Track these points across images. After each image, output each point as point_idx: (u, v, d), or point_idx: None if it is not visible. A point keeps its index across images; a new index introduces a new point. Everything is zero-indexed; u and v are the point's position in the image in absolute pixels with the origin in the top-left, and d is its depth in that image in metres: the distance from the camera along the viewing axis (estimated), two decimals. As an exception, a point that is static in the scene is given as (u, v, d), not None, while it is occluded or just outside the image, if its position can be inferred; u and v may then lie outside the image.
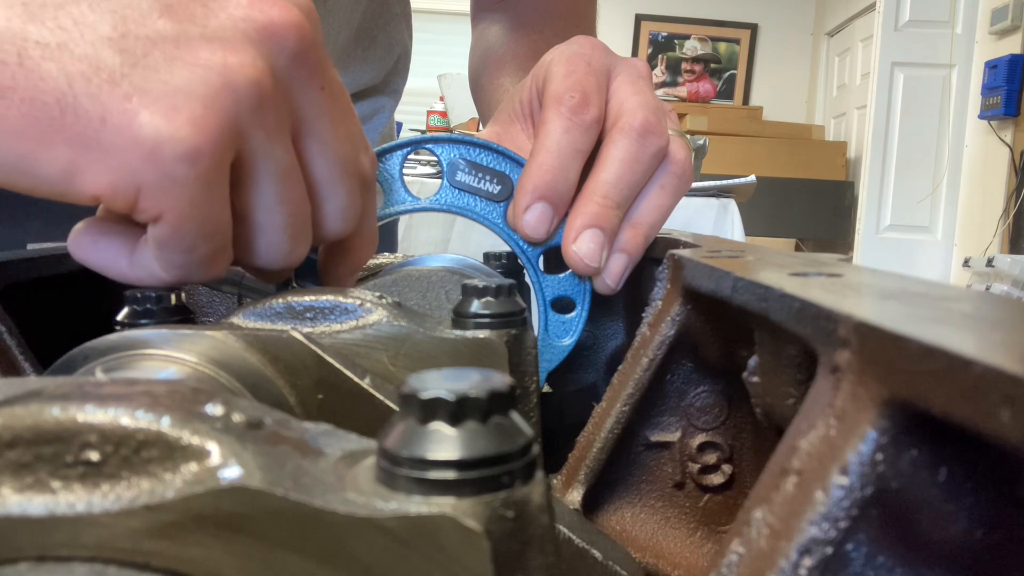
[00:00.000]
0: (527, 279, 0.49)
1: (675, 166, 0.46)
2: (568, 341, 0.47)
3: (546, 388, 0.51)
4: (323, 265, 0.41)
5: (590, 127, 0.44)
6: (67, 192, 0.29)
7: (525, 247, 0.47)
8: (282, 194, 0.32)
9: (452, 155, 0.47)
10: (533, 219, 0.44)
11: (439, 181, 0.48)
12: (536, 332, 0.47)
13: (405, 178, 0.49)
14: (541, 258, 0.48)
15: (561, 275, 0.47)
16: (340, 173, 0.35)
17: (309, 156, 0.34)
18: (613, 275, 0.45)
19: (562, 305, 0.48)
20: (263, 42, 0.31)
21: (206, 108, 0.28)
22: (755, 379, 0.28)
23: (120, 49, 0.28)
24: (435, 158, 0.48)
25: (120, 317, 0.32)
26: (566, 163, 0.44)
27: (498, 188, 0.47)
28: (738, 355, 0.34)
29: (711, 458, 0.37)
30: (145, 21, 0.29)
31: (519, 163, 0.46)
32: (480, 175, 0.47)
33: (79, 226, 0.33)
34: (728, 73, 5.93)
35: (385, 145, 0.48)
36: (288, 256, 0.34)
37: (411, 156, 0.49)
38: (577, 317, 0.47)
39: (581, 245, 0.43)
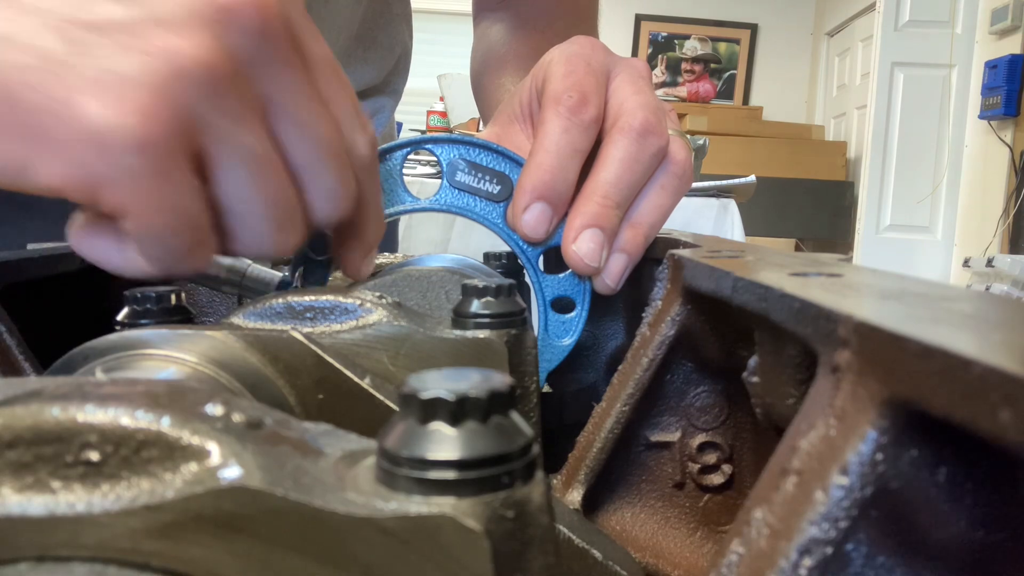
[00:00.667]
0: (527, 279, 0.49)
1: (675, 166, 0.46)
2: (568, 341, 0.47)
3: (546, 388, 0.51)
4: (336, 252, 0.40)
5: (589, 127, 0.44)
6: (24, 185, 0.28)
7: (525, 247, 0.47)
8: (257, 182, 0.31)
9: (452, 155, 0.47)
10: (532, 219, 0.44)
11: (439, 181, 0.48)
12: (536, 332, 0.47)
13: (405, 178, 0.49)
14: (541, 258, 0.48)
15: (561, 275, 0.47)
16: (322, 154, 0.33)
17: (285, 139, 0.32)
18: (613, 275, 0.45)
19: (562, 305, 0.48)
20: (219, 23, 0.29)
21: (154, 96, 0.27)
22: (755, 379, 0.28)
23: (67, 38, 0.27)
24: (435, 158, 0.48)
25: (120, 317, 0.32)
26: (565, 163, 0.44)
27: (498, 188, 0.47)
28: (738, 355, 0.34)
29: (711, 458, 0.37)
30: (93, 7, 0.28)
31: (518, 163, 0.46)
32: (480, 175, 0.47)
33: (76, 219, 0.33)
34: (728, 73, 5.93)
35: (385, 145, 0.48)
36: (277, 245, 0.33)
37: (411, 156, 0.49)
38: (577, 317, 0.47)
39: (581, 245, 0.43)
